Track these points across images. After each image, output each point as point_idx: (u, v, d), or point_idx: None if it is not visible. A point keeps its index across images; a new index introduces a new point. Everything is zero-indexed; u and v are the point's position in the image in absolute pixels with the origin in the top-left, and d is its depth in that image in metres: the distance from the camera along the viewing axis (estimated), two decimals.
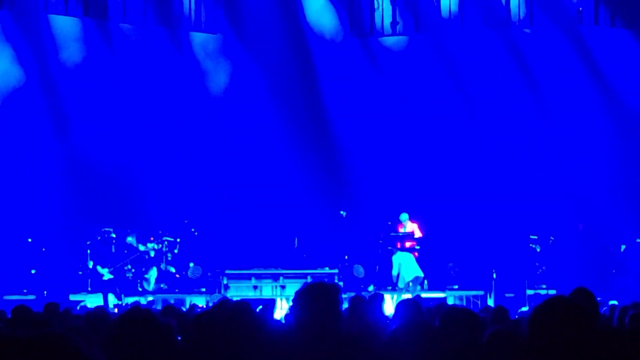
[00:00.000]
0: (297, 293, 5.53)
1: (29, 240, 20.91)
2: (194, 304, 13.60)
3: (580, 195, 22.58)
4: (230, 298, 9.36)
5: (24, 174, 21.67)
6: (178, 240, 21.56)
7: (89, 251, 20.82)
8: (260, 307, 13.44)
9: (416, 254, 20.99)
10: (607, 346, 5.03)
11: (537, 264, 20.92)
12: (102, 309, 9.54)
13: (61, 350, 2.51)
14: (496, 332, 5.37)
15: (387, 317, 10.05)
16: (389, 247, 21.05)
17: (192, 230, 21.81)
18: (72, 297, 19.31)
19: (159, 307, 16.25)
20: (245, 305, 6.08)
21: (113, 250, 20.93)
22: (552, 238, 21.28)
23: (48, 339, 2.50)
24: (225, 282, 20.81)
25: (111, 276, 20.62)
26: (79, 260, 20.98)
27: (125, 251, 20.95)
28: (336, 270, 20.71)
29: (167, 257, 21.38)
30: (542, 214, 22.16)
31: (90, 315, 9.05)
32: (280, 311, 18.67)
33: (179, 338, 6.25)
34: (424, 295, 17.29)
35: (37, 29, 21.65)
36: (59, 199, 21.77)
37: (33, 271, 20.49)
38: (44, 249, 20.69)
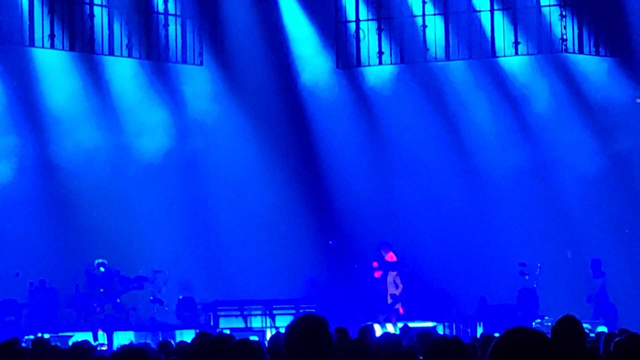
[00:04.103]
0: (287, 326, 5.58)
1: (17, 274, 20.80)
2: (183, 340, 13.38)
3: (569, 221, 22.65)
4: (209, 332, 9.32)
5: (11, 210, 21.60)
6: (167, 272, 21.52)
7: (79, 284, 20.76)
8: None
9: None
10: None
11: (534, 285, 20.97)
12: (87, 343, 9.44)
13: None
14: None
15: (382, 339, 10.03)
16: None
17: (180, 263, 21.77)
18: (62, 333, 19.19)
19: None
20: (222, 337, 6.10)
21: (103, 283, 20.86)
22: (540, 265, 21.32)
23: None
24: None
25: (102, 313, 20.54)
26: (69, 295, 20.90)
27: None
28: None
29: (156, 289, 21.32)
30: (531, 242, 22.21)
31: (74, 349, 8.95)
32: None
33: None
34: (412, 324, 17.27)
35: (22, 63, 21.69)
36: (47, 232, 21.71)
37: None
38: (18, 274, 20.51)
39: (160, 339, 18.09)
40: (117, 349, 7.10)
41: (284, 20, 23.72)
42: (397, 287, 20.99)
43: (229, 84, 23.71)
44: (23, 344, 13.40)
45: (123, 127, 22.66)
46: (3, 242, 21.29)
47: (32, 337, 17.88)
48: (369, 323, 11.64)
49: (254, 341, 6.16)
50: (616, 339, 6.64)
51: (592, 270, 21.25)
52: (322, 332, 5.32)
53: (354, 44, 23.63)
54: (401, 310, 20.88)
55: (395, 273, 21.08)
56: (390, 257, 21.43)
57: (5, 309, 20.19)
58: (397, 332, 15.86)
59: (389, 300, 20.87)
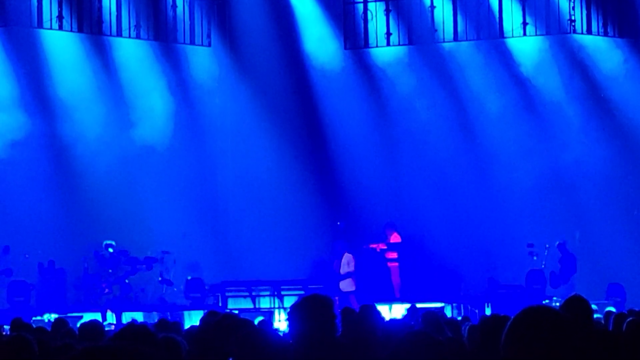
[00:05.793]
0: (292, 306, 5.60)
1: (26, 256, 20.87)
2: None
3: (577, 202, 22.62)
4: (218, 311, 9.32)
5: (20, 191, 21.65)
6: (175, 253, 21.56)
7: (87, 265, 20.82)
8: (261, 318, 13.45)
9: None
10: (601, 352, 5.01)
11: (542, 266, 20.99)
12: (97, 323, 9.47)
13: None
14: None
15: (389, 323, 10.02)
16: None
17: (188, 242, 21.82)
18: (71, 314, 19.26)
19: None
20: (234, 317, 6.12)
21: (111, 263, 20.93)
22: (548, 246, 21.32)
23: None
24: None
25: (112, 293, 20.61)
26: (77, 276, 20.98)
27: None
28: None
29: (165, 269, 21.38)
30: (539, 223, 22.19)
31: (84, 328, 8.98)
32: (279, 323, 18.69)
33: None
34: (420, 305, 17.27)
35: (30, 44, 21.70)
36: (56, 213, 21.77)
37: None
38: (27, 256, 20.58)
39: (169, 319, 18.14)
40: (121, 326, 7.12)
41: (292, 0, 23.65)
42: (348, 266, 20.84)
43: (236, 64, 23.69)
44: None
45: (131, 108, 22.67)
46: (12, 223, 21.35)
47: (39, 317, 17.99)
48: (370, 304, 11.63)
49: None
50: (628, 319, 6.63)
51: (561, 253, 21.13)
52: (326, 312, 5.33)
53: (362, 24, 23.56)
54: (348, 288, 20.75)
55: (351, 256, 20.86)
56: (395, 237, 21.42)
57: (15, 290, 20.27)
58: (405, 312, 15.88)
59: (348, 285, 20.79)
